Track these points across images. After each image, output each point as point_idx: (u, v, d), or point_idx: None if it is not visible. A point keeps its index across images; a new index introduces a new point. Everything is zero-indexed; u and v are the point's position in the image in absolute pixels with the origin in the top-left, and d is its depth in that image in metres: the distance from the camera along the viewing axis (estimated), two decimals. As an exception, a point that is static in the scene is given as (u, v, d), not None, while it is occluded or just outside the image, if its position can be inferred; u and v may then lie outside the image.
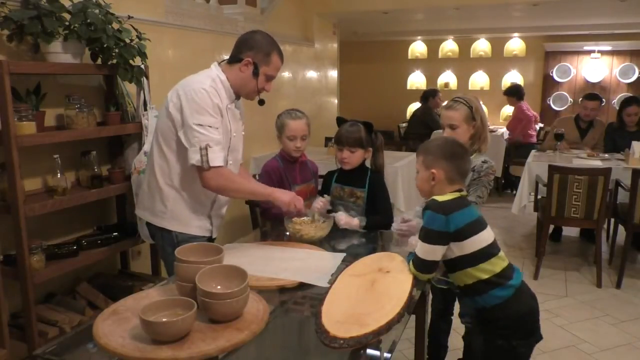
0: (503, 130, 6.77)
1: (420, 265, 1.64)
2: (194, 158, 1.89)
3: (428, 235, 1.63)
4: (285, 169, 2.54)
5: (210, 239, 2.19)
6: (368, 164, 2.48)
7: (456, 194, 1.71)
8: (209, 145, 1.88)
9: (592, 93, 4.88)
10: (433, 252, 1.63)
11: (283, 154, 2.57)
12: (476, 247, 1.64)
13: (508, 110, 7.69)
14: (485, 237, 1.66)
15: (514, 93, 6.43)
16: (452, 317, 2.52)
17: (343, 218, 2.26)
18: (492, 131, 6.43)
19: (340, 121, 2.50)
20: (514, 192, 4.99)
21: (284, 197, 2.05)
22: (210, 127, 1.90)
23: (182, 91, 1.94)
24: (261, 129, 3.96)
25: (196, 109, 1.90)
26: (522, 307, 1.68)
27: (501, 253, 1.70)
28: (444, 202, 1.65)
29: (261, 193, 2.11)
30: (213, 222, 2.18)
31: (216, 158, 1.90)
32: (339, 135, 2.41)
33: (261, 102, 2.13)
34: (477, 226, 1.66)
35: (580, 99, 5.00)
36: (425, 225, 1.65)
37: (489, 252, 1.66)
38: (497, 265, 1.66)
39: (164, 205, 2.05)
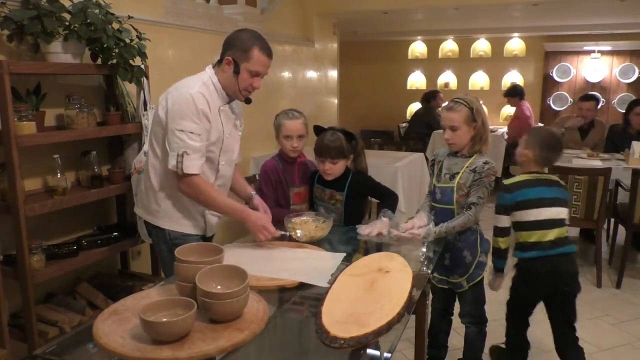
0: (503, 130, 6.77)
1: (495, 230, 2.30)
2: (171, 163, 1.93)
3: (497, 209, 2.29)
4: (283, 170, 2.53)
5: (204, 237, 2.19)
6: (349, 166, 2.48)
7: (527, 176, 2.27)
8: (186, 153, 1.90)
9: (588, 94, 4.89)
10: (501, 220, 2.28)
11: (282, 154, 2.57)
12: (520, 218, 2.24)
13: (508, 110, 7.69)
14: (534, 214, 2.21)
15: (516, 93, 6.43)
16: (452, 317, 2.52)
17: (378, 227, 2.18)
18: (492, 131, 6.42)
19: (318, 130, 2.47)
20: None
21: (255, 222, 1.99)
22: (191, 133, 1.91)
23: (171, 95, 1.97)
24: (261, 128, 3.96)
25: (179, 114, 1.91)
26: (533, 269, 2.24)
27: (542, 231, 2.20)
28: (509, 184, 2.28)
29: (234, 211, 2.03)
30: (207, 221, 2.17)
31: (191, 166, 1.91)
32: (319, 147, 2.37)
33: (248, 101, 2.11)
34: (532, 204, 2.21)
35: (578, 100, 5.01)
36: (497, 201, 2.30)
37: (528, 226, 2.22)
38: (531, 237, 2.22)
39: (157, 204, 2.09)
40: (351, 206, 2.42)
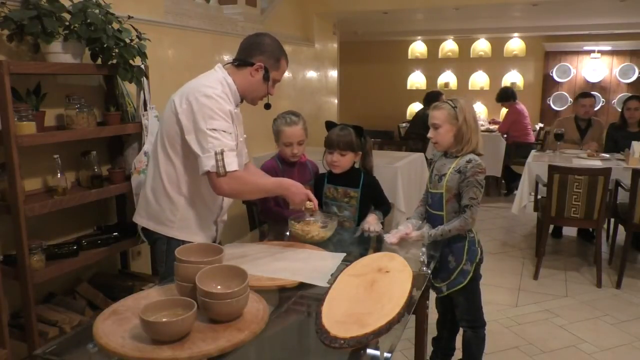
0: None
1: None
2: (209, 164, 1.80)
3: None
4: (283, 171, 2.53)
5: None
6: (357, 166, 2.49)
7: None
8: (224, 150, 1.81)
9: (585, 92, 5.05)
10: None
11: (282, 155, 2.57)
12: None
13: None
14: None
15: (509, 96, 6.44)
16: (452, 319, 2.51)
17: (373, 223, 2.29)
18: (492, 131, 6.44)
19: (329, 125, 2.49)
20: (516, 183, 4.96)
21: (296, 196, 2.01)
22: (224, 132, 1.84)
23: (193, 97, 1.86)
24: (261, 129, 3.93)
25: (209, 114, 1.83)
26: None
27: None
28: None
29: (276, 188, 2.05)
30: (218, 229, 2.16)
31: (232, 163, 1.83)
32: (329, 139, 2.41)
33: (268, 106, 2.09)
34: None
35: (575, 98, 5.10)
36: None
37: None
38: None
39: (173, 214, 1.98)
40: (366, 205, 2.44)
